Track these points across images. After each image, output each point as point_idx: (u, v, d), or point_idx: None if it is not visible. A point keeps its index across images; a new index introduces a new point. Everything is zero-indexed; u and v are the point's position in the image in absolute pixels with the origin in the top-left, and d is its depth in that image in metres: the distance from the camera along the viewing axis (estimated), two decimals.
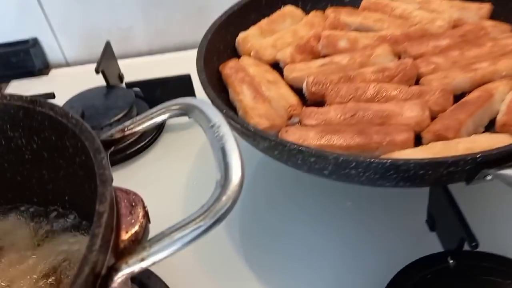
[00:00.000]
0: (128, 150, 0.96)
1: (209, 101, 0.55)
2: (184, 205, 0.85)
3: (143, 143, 0.98)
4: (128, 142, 0.94)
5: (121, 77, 1.16)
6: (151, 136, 1.00)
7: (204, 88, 0.75)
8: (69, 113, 0.53)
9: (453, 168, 0.58)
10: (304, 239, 0.76)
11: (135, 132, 0.55)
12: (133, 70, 1.23)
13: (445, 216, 0.66)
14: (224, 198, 0.41)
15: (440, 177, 0.60)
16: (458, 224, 0.62)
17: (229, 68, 0.86)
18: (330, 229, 0.77)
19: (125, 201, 0.48)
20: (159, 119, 0.54)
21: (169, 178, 0.92)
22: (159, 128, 1.03)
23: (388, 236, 0.74)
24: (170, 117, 0.54)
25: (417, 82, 0.83)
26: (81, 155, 0.52)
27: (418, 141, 0.72)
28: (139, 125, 0.54)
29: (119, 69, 1.17)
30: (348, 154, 0.65)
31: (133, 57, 1.33)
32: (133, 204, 0.48)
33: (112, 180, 0.47)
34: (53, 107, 0.55)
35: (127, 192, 0.49)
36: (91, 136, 0.50)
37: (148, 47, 1.35)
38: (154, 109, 0.55)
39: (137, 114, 0.99)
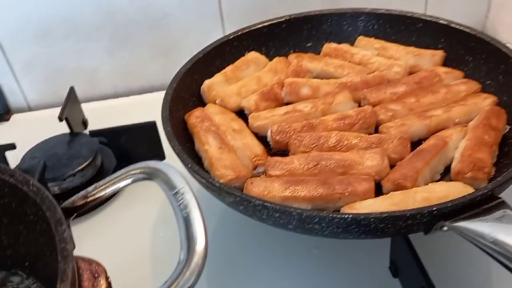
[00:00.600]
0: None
1: (173, 165, 0.55)
2: (150, 260, 0.84)
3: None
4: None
5: (85, 123, 1.14)
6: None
7: (169, 141, 0.75)
8: (30, 180, 0.53)
9: (411, 221, 0.60)
10: (272, 284, 0.77)
11: (98, 198, 0.55)
12: (98, 114, 1.21)
13: (406, 264, 0.68)
14: (187, 273, 0.41)
15: (399, 229, 0.62)
16: (418, 272, 0.64)
17: (194, 118, 0.88)
18: (298, 275, 0.78)
19: (88, 272, 0.48)
20: (121, 184, 0.54)
21: (134, 229, 0.91)
22: None
23: (353, 282, 0.76)
24: (134, 181, 0.54)
25: (377, 128, 0.86)
26: (42, 223, 0.51)
27: (379, 188, 0.75)
28: (101, 191, 0.54)
29: (83, 114, 1.15)
30: (311, 210, 0.66)
31: (98, 100, 1.32)
32: (96, 275, 0.47)
33: (74, 247, 0.47)
34: (13, 173, 0.54)
35: (89, 262, 0.49)
36: (52, 206, 0.50)
37: (113, 90, 1.35)
38: (116, 174, 0.55)
39: (102, 163, 1.00)
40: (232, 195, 0.65)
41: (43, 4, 1.19)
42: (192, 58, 0.97)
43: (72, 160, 0.96)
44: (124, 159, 1.00)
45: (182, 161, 0.72)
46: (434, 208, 0.59)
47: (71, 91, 1.10)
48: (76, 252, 0.81)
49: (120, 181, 0.54)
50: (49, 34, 1.23)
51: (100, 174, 0.99)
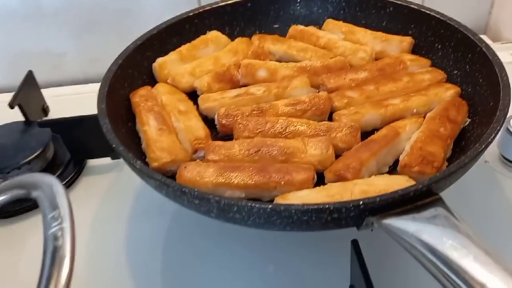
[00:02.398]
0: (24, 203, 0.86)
1: (56, 182, 0.47)
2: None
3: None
4: None
5: (45, 110, 1.09)
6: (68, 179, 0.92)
7: (100, 119, 0.71)
8: None
9: (337, 214, 0.55)
10: None
11: None
12: (64, 100, 1.18)
13: None
14: None
15: (326, 223, 0.57)
16: None
17: (138, 96, 0.83)
18: None
19: None
20: None
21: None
22: (77, 170, 0.95)
23: None
24: (12, 198, 0.48)
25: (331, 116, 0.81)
26: None
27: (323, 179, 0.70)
28: None
29: (43, 100, 1.10)
30: (230, 198, 0.62)
31: (66, 85, 1.27)
32: None
33: None
34: None
35: None
36: None
37: (83, 75, 1.29)
38: None
39: (55, 157, 0.93)
40: (152, 178, 0.61)
41: None
42: (145, 34, 0.92)
43: (19, 151, 0.90)
44: (78, 152, 0.95)
45: (109, 140, 0.67)
46: (361, 202, 0.54)
47: (28, 75, 1.06)
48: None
49: None
50: (8, 14, 1.18)
51: (50, 167, 0.93)
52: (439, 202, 0.55)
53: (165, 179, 0.60)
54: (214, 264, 0.76)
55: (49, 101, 1.15)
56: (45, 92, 1.18)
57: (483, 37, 1.29)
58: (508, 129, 0.84)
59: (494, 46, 1.21)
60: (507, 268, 0.44)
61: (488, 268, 0.44)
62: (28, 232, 0.85)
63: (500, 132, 0.84)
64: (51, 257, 0.36)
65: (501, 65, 0.73)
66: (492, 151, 0.90)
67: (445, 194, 0.78)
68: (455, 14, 1.30)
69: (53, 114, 1.13)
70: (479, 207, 0.81)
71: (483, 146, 0.60)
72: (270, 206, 0.55)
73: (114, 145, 0.66)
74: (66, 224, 0.39)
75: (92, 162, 0.98)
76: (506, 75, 0.71)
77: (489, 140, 0.61)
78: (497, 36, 1.29)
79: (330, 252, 0.74)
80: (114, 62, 0.84)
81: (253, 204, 0.55)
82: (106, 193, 0.93)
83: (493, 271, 0.44)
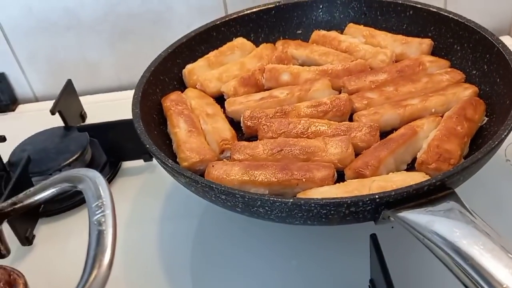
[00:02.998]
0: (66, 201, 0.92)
1: (99, 175, 0.51)
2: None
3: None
4: None
5: (83, 116, 1.17)
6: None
7: (135, 122, 0.77)
8: None
9: (354, 208, 0.59)
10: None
11: (27, 205, 0.55)
12: (100, 107, 1.24)
13: (381, 285, 0.64)
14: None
15: (344, 217, 0.61)
16: None
17: (169, 101, 0.89)
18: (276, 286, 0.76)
19: (2, 282, 0.48)
20: (49, 192, 0.54)
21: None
22: (113, 172, 1.00)
23: None
24: (61, 190, 0.53)
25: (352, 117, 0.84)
26: None
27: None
28: (30, 198, 0.54)
29: (81, 107, 1.18)
30: (254, 193, 0.66)
31: (103, 93, 1.34)
32: (12, 285, 0.47)
33: (9, 253, 0.46)
34: None
35: (8, 272, 0.49)
36: None
37: (118, 82, 1.36)
38: (45, 182, 0.55)
39: (92, 159, 1.00)
40: (182, 175, 0.66)
41: None
42: (175, 42, 0.98)
43: (60, 154, 0.97)
44: (113, 154, 1.01)
45: (143, 141, 0.73)
46: (376, 196, 0.57)
47: (68, 84, 1.13)
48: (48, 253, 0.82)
49: (47, 189, 0.54)
50: (51, 26, 1.26)
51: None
52: (453, 196, 0.58)
53: (195, 175, 0.65)
54: (240, 262, 0.79)
55: (86, 107, 1.22)
56: (82, 99, 1.26)
57: (507, 37, 1.30)
58: None
59: None
60: (504, 248, 0.46)
61: (496, 256, 0.47)
62: (71, 230, 0.91)
63: None
64: (96, 240, 0.41)
65: None
66: None
67: (466, 192, 0.81)
68: (478, 15, 1.31)
69: (90, 120, 1.20)
70: (500, 205, 0.83)
71: (497, 142, 0.63)
72: (291, 200, 0.59)
73: (147, 146, 0.71)
74: (108, 211, 0.44)
75: (126, 164, 1.04)
76: None
77: (503, 136, 0.63)
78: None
79: (351, 246, 0.77)
80: (147, 69, 0.90)
81: (275, 198, 0.60)
82: (139, 193, 0.98)
83: (501, 259, 0.47)
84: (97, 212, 0.44)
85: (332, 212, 0.59)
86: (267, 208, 0.61)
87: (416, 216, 0.55)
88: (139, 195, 0.98)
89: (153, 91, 0.90)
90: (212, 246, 0.84)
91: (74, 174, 0.51)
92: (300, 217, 0.61)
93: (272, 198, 0.60)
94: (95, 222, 0.43)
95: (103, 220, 0.43)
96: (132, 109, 0.80)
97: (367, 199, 0.58)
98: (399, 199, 0.58)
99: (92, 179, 0.48)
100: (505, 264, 0.46)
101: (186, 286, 0.77)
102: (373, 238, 0.65)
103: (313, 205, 0.59)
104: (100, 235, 0.42)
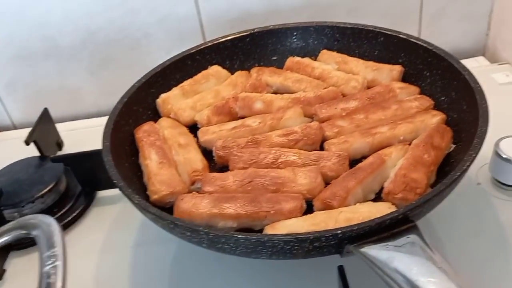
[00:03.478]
0: None
1: (54, 223, 0.52)
2: None
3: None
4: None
5: (59, 144, 1.16)
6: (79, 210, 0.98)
7: (104, 156, 0.77)
8: None
9: (317, 243, 0.59)
10: None
11: None
12: (79, 133, 1.24)
13: None
14: None
15: (309, 251, 0.61)
16: None
17: (142, 132, 0.89)
18: None
19: None
20: (1, 241, 0.53)
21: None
22: (88, 201, 1.00)
23: None
24: (14, 238, 0.53)
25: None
26: None
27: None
28: None
29: (58, 135, 1.17)
30: (218, 230, 0.66)
31: (83, 119, 1.35)
32: None
33: None
34: None
35: None
36: None
37: (96, 108, 1.37)
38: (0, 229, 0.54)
39: (67, 189, 0.99)
40: (148, 212, 0.66)
41: (24, 24, 1.22)
42: (149, 72, 0.99)
43: (34, 185, 0.96)
44: (88, 184, 1.01)
45: (111, 176, 0.73)
46: (339, 232, 0.58)
47: (44, 113, 1.13)
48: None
49: (1, 237, 0.53)
50: (30, 54, 1.26)
51: (63, 199, 0.99)
52: (414, 229, 0.58)
53: (160, 212, 0.65)
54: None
55: (64, 135, 1.22)
56: (60, 126, 1.26)
57: (481, 58, 1.32)
58: (497, 152, 0.86)
59: (491, 67, 1.26)
60: (461, 286, 0.46)
61: None
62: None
63: (491, 155, 0.88)
64: None
65: (482, 93, 0.76)
66: (484, 173, 0.92)
67: (438, 216, 0.82)
68: (454, 38, 1.35)
69: (67, 147, 1.20)
70: (471, 229, 0.83)
71: (459, 173, 0.63)
72: (255, 237, 0.59)
73: (115, 181, 0.71)
74: (59, 263, 0.44)
75: (101, 194, 1.03)
76: (485, 103, 0.74)
77: (464, 168, 0.64)
78: (495, 57, 1.31)
79: (321, 278, 0.76)
80: (120, 100, 0.90)
81: (239, 235, 0.60)
82: (115, 222, 0.98)
83: None
84: (48, 263, 0.43)
85: (296, 247, 0.60)
86: (232, 244, 0.61)
87: (376, 252, 0.55)
88: (114, 223, 0.97)
89: (126, 122, 0.90)
90: (187, 275, 0.84)
91: (28, 220, 0.50)
92: (265, 252, 0.61)
93: (236, 235, 0.60)
94: (45, 274, 0.42)
95: (53, 271, 0.43)
96: (103, 142, 0.80)
97: (330, 234, 0.58)
98: (361, 234, 0.58)
99: (46, 227, 0.48)
100: None
101: None
102: (340, 270, 0.66)
103: (276, 241, 0.59)
104: None
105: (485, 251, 0.79)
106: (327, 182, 0.77)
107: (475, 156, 0.66)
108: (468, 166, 0.64)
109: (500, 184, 0.89)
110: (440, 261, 0.52)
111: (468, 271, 0.75)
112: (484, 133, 0.69)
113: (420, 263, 0.52)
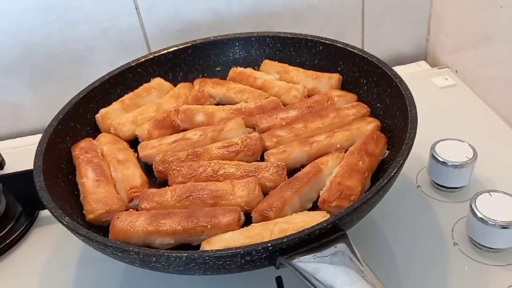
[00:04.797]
0: None
1: None
2: None
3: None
4: None
5: (0, 164, 1.12)
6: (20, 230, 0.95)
7: (35, 177, 0.74)
8: None
9: (249, 257, 0.59)
10: None
11: None
12: (22, 151, 1.20)
13: None
14: None
15: (242, 265, 0.60)
16: None
17: (79, 149, 0.87)
18: None
19: None
20: None
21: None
22: (29, 222, 0.97)
23: None
24: None
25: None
26: None
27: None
28: None
29: None
30: (148, 249, 0.65)
31: (26, 135, 1.31)
32: None
33: None
34: None
35: None
36: None
37: (42, 124, 1.31)
38: None
39: (7, 209, 0.96)
40: (78, 234, 0.64)
41: None
42: (87, 87, 0.96)
43: None
44: (29, 204, 0.98)
45: (41, 197, 0.71)
46: (269, 244, 0.58)
47: None
48: None
49: None
50: None
51: (2, 220, 0.96)
52: (343, 238, 0.59)
53: (90, 233, 0.64)
54: None
55: (7, 153, 1.18)
56: (4, 144, 1.22)
57: (422, 63, 1.36)
58: (433, 155, 0.88)
59: (432, 71, 1.30)
60: None
61: None
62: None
63: (428, 158, 0.90)
64: None
65: (412, 99, 0.78)
66: (423, 176, 0.95)
67: (380, 218, 0.83)
68: (397, 44, 1.39)
69: (9, 167, 1.15)
70: (411, 229, 0.86)
71: (386, 181, 0.65)
72: (185, 255, 0.59)
73: (44, 203, 0.69)
74: None
75: (44, 213, 1.00)
76: (415, 109, 0.76)
77: (392, 174, 0.65)
78: (435, 61, 1.35)
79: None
80: (55, 117, 0.88)
81: (169, 253, 0.59)
82: (59, 241, 0.95)
83: None
84: None
85: (228, 262, 0.59)
86: (163, 263, 0.60)
87: (304, 264, 0.56)
88: (58, 242, 0.95)
89: (62, 140, 0.87)
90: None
91: None
92: (198, 269, 0.61)
93: (166, 254, 0.59)
94: None
95: None
96: (34, 162, 0.78)
97: (260, 248, 0.58)
98: (291, 245, 0.58)
99: None
100: None
101: None
102: (278, 281, 0.66)
103: (207, 258, 0.58)
104: None
105: (424, 251, 0.81)
106: (265, 193, 0.77)
107: (403, 163, 0.67)
108: (396, 173, 0.66)
109: (438, 186, 0.91)
110: (367, 272, 0.52)
111: (409, 269, 0.77)
112: (412, 139, 0.70)
113: (345, 272, 0.52)
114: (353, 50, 0.95)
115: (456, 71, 1.25)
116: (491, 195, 0.78)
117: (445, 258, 0.80)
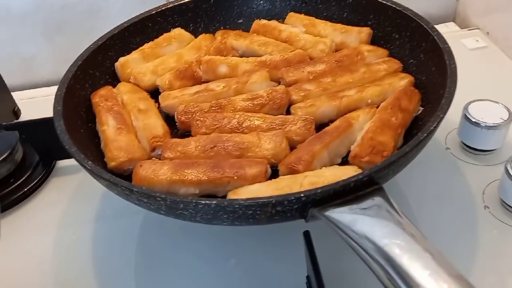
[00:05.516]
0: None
1: None
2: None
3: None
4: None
5: (16, 113, 1.10)
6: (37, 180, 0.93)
7: (55, 121, 0.72)
8: None
9: (280, 207, 0.57)
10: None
11: None
12: (37, 102, 1.18)
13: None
14: None
15: (272, 216, 0.58)
16: None
17: (98, 96, 0.84)
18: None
19: None
20: None
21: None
22: (46, 171, 0.96)
23: None
24: None
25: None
26: None
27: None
28: None
29: (14, 103, 1.11)
30: (175, 195, 0.62)
31: (41, 87, 1.27)
32: None
33: None
34: None
35: None
36: None
37: (56, 76, 1.29)
38: None
39: (24, 158, 0.95)
40: (101, 178, 0.62)
41: None
42: (106, 34, 0.93)
43: None
44: (46, 153, 0.96)
45: (62, 141, 0.68)
46: (302, 195, 0.55)
47: None
48: None
49: None
50: None
51: (19, 170, 0.94)
52: (379, 192, 0.56)
53: (114, 178, 0.61)
54: (184, 263, 0.77)
55: (21, 104, 1.16)
56: (18, 95, 1.19)
57: (451, 24, 1.31)
58: (466, 116, 0.85)
59: (461, 32, 1.24)
60: (427, 249, 0.45)
61: (415, 256, 0.46)
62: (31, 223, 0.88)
63: (460, 120, 0.87)
64: None
65: (451, 53, 0.74)
66: (453, 138, 0.92)
67: (406, 180, 0.80)
68: (424, 3, 1.32)
69: (25, 116, 1.13)
70: (440, 193, 0.83)
71: (425, 134, 0.61)
72: (214, 202, 0.56)
73: (66, 146, 0.67)
74: None
75: (61, 163, 0.99)
76: (454, 63, 0.72)
77: (431, 128, 0.62)
78: (465, 22, 1.29)
79: (288, 243, 0.75)
80: (74, 63, 0.85)
81: (198, 200, 0.57)
82: (76, 193, 0.94)
83: (420, 259, 0.46)
84: None
85: (258, 212, 0.57)
86: (191, 210, 0.58)
87: (340, 215, 0.53)
88: (75, 195, 0.93)
89: (82, 86, 0.84)
90: (152, 246, 0.81)
91: None
92: (226, 218, 0.59)
93: (194, 200, 0.57)
94: None
95: None
96: (54, 106, 0.75)
97: (293, 198, 0.55)
98: (325, 197, 0.56)
99: None
100: (424, 265, 0.44)
101: None
102: (306, 235, 0.64)
103: (237, 206, 0.56)
104: None
105: (452, 215, 0.79)
106: (292, 147, 0.74)
107: (443, 117, 0.64)
108: (435, 127, 0.63)
109: (469, 149, 0.88)
110: (407, 224, 0.50)
111: (436, 234, 0.74)
112: (452, 94, 0.67)
113: (384, 225, 0.50)
114: (386, 3, 0.90)
115: (488, 33, 1.19)
116: None
117: (475, 221, 0.77)
